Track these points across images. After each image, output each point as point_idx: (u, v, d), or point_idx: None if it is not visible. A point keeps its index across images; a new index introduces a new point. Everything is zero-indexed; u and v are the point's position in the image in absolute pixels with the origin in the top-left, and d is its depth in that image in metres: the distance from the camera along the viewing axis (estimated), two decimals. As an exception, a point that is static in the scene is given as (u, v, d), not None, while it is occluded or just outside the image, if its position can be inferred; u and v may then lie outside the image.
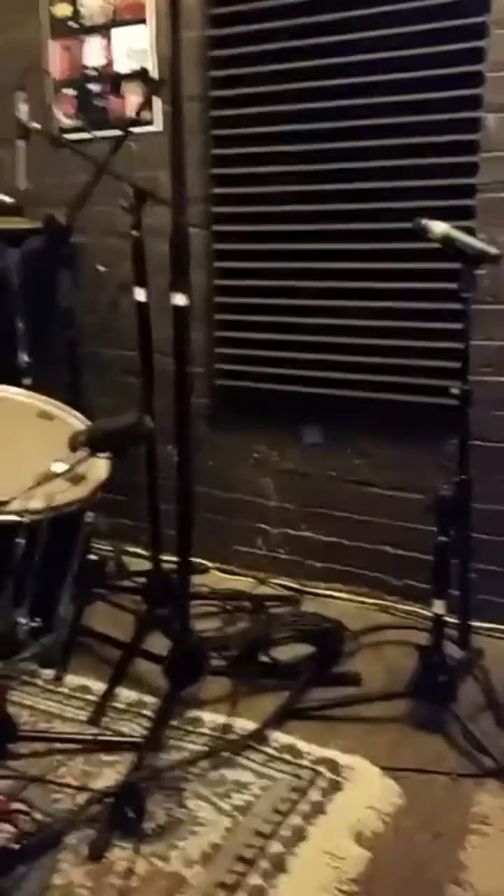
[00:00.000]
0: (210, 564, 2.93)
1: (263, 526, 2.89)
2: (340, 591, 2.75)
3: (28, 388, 2.28)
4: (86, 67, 2.84)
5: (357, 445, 2.65)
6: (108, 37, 2.77)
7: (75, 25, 2.82)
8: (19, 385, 2.27)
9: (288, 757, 1.91)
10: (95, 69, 2.82)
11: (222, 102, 2.59)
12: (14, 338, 2.64)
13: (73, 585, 1.90)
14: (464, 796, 1.80)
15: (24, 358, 2.63)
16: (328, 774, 1.85)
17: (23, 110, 2.55)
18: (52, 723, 2.05)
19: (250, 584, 2.85)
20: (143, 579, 2.70)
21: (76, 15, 2.81)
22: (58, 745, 1.93)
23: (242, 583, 2.85)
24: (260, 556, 2.90)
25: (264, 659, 2.29)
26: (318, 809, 1.74)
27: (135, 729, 2.02)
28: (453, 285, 1.91)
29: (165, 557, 2.54)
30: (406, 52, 2.27)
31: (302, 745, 1.94)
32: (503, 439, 2.39)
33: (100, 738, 1.96)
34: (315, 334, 2.57)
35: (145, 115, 2.68)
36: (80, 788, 1.79)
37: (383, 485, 2.63)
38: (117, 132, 2.46)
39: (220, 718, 2.05)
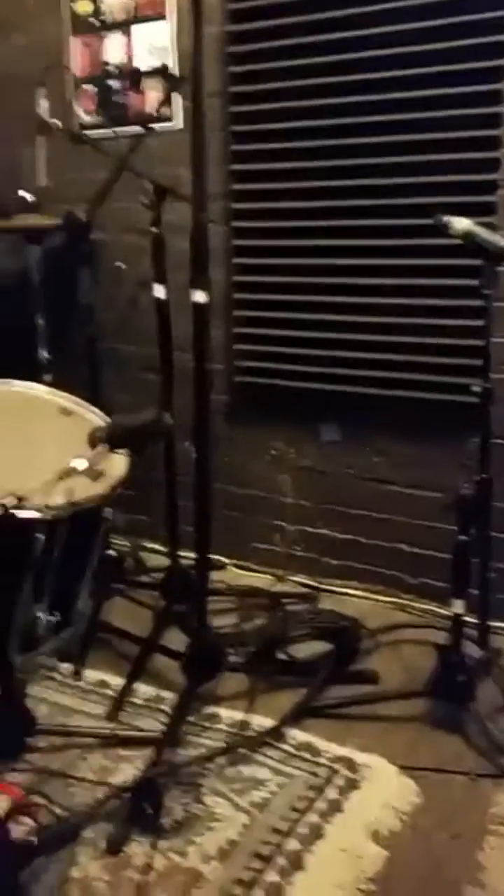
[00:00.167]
0: (227, 561, 2.93)
1: (280, 523, 2.88)
2: (357, 588, 2.74)
3: (48, 384, 2.29)
4: (106, 64, 2.85)
5: (375, 443, 2.64)
6: (128, 33, 2.77)
7: (96, 22, 2.82)
8: (40, 381, 2.28)
9: (305, 754, 1.91)
10: (116, 66, 2.83)
11: (242, 98, 2.59)
12: (34, 334, 2.65)
13: (92, 581, 1.91)
14: (482, 796, 1.79)
15: (45, 354, 2.64)
16: (345, 772, 1.84)
17: (43, 107, 2.56)
18: (71, 717, 2.06)
19: (267, 580, 2.85)
20: (160, 575, 2.71)
21: (97, 12, 2.81)
22: (76, 740, 1.95)
23: (259, 579, 2.86)
24: (277, 553, 2.90)
25: (282, 656, 2.29)
26: (336, 807, 1.74)
27: (152, 724, 2.02)
28: (475, 282, 1.90)
29: (183, 554, 2.55)
30: (426, 46, 2.25)
31: (319, 743, 1.94)
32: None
33: (118, 733, 1.97)
34: (334, 331, 2.56)
35: (165, 111, 2.68)
36: (98, 783, 1.80)
37: (401, 483, 2.62)
38: (137, 129, 2.47)
39: (238, 715, 2.05)
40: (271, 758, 1.90)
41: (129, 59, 2.79)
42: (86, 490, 1.77)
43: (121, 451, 1.91)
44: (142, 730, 2.00)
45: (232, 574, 2.89)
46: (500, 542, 2.26)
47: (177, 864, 1.59)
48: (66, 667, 2.24)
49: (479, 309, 1.93)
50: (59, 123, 2.57)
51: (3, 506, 1.63)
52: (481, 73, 2.20)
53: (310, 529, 2.83)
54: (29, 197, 2.58)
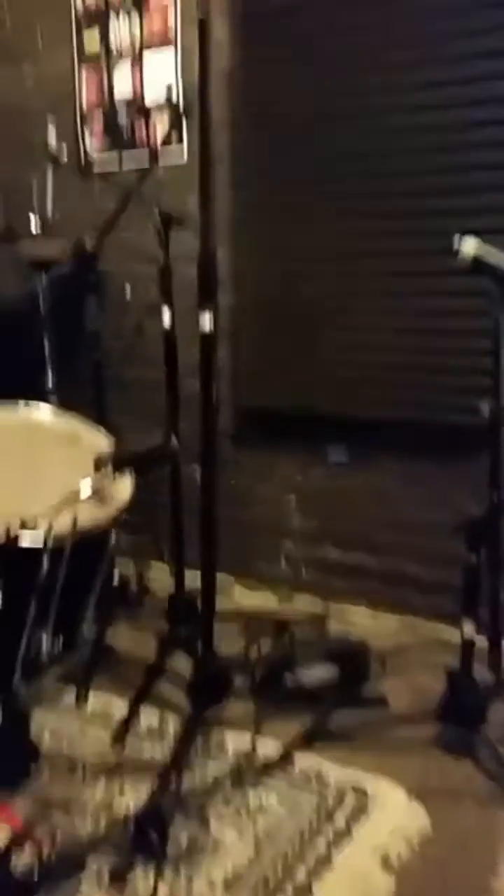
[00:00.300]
0: (233, 583, 2.92)
1: (287, 544, 2.88)
2: (365, 610, 2.72)
3: (55, 409, 2.30)
4: (115, 95, 2.90)
5: (383, 464, 2.64)
6: (136, 65, 2.83)
7: (105, 55, 2.88)
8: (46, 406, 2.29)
9: (313, 780, 1.88)
10: (124, 97, 2.88)
11: (250, 127, 2.62)
12: (41, 360, 2.67)
13: (97, 605, 1.90)
14: (494, 822, 1.75)
15: (51, 379, 2.67)
16: (354, 798, 1.81)
17: (52, 137, 2.62)
18: (75, 744, 2.04)
19: (274, 603, 2.83)
20: (165, 599, 2.69)
21: (106, 45, 2.88)
22: (80, 767, 1.92)
23: (266, 602, 2.84)
24: (284, 574, 2.89)
25: (288, 680, 2.27)
26: (345, 834, 1.71)
27: (157, 751, 2.00)
28: (484, 302, 1.90)
29: (188, 577, 2.54)
30: (437, 73, 2.28)
31: (327, 768, 1.91)
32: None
33: (123, 759, 1.95)
34: (341, 353, 2.56)
35: (173, 141, 2.72)
36: (102, 811, 1.77)
37: (410, 504, 2.61)
38: (145, 158, 2.51)
39: (244, 740, 2.02)
40: (278, 784, 1.88)
41: (138, 90, 2.84)
42: (91, 514, 1.77)
43: (126, 474, 1.91)
44: (147, 756, 1.98)
45: (238, 597, 2.88)
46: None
47: (183, 894, 1.56)
48: (71, 692, 2.22)
49: (488, 330, 1.93)
50: (66, 152, 2.63)
51: (8, 530, 1.64)
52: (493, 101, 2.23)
53: (317, 551, 2.82)
54: (37, 225, 2.62)
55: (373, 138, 2.41)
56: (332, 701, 2.15)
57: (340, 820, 1.75)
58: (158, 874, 1.59)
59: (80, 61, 2.95)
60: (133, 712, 2.14)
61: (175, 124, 2.74)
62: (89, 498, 1.75)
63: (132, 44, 2.82)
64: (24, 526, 1.64)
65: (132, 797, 1.83)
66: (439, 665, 2.22)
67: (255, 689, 2.22)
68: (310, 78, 2.47)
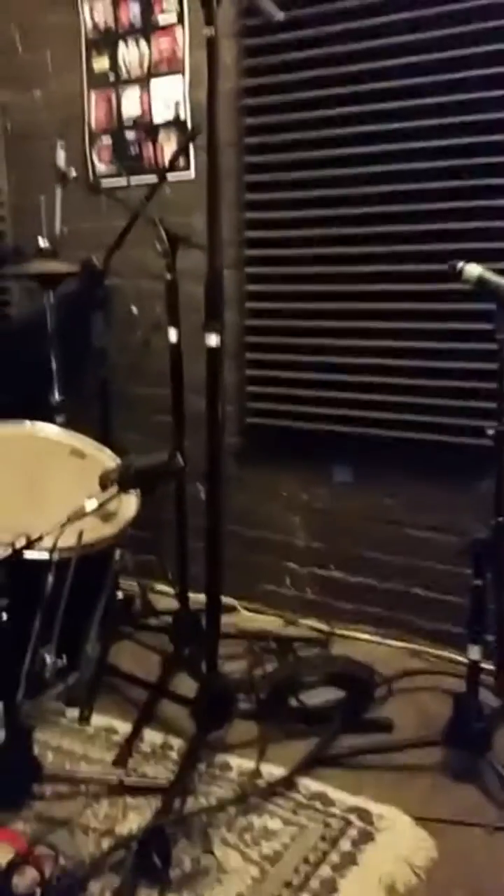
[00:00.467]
0: (237, 603, 2.90)
1: (292, 565, 2.86)
2: (370, 633, 2.70)
3: (61, 425, 2.31)
4: (123, 117, 2.94)
5: (388, 485, 2.63)
6: (145, 88, 2.86)
7: (113, 78, 2.92)
8: (52, 422, 2.30)
9: (318, 805, 1.86)
10: (132, 119, 2.92)
11: (256, 149, 2.65)
12: (48, 376, 2.68)
13: (100, 624, 1.89)
14: (501, 850, 1.73)
15: (58, 396, 2.68)
16: (359, 824, 1.79)
17: (61, 157, 2.64)
18: (77, 764, 2.02)
19: (278, 624, 2.81)
20: (169, 618, 2.68)
21: (115, 68, 2.91)
22: (82, 788, 1.90)
23: (270, 623, 2.82)
24: (288, 595, 2.87)
25: (293, 703, 2.24)
26: (350, 860, 1.68)
27: (161, 772, 1.98)
28: (488, 325, 1.91)
29: (192, 596, 2.52)
30: (440, 98, 2.30)
31: (332, 793, 1.89)
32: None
33: (125, 780, 1.93)
34: (347, 373, 2.57)
35: (180, 162, 2.75)
36: (105, 832, 1.75)
37: (415, 525, 2.60)
38: (152, 178, 2.53)
39: (249, 763, 2.00)
40: (283, 808, 1.85)
41: (146, 112, 2.88)
42: (96, 531, 1.77)
43: (132, 492, 1.91)
44: (150, 777, 1.96)
45: (242, 617, 2.86)
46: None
47: (185, 920, 1.54)
48: (73, 711, 2.20)
49: (492, 352, 1.93)
50: (75, 174, 2.66)
51: (13, 547, 1.63)
52: (497, 124, 2.24)
53: (321, 572, 2.80)
54: (46, 243, 2.64)
55: (377, 161, 2.42)
56: (337, 724, 2.13)
57: (346, 845, 1.73)
58: (161, 899, 1.57)
59: (89, 85, 2.98)
60: (136, 732, 2.12)
61: (182, 145, 2.76)
62: (94, 514, 1.75)
63: (140, 66, 2.86)
64: (29, 542, 1.64)
65: (135, 819, 1.80)
66: (446, 690, 2.21)
67: (259, 711, 2.20)
68: (314, 101, 2.50)
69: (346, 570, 2.75)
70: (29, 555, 1.64)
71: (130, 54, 2.88)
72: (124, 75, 2.90)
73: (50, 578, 1.66)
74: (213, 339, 1.90)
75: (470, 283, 1.91)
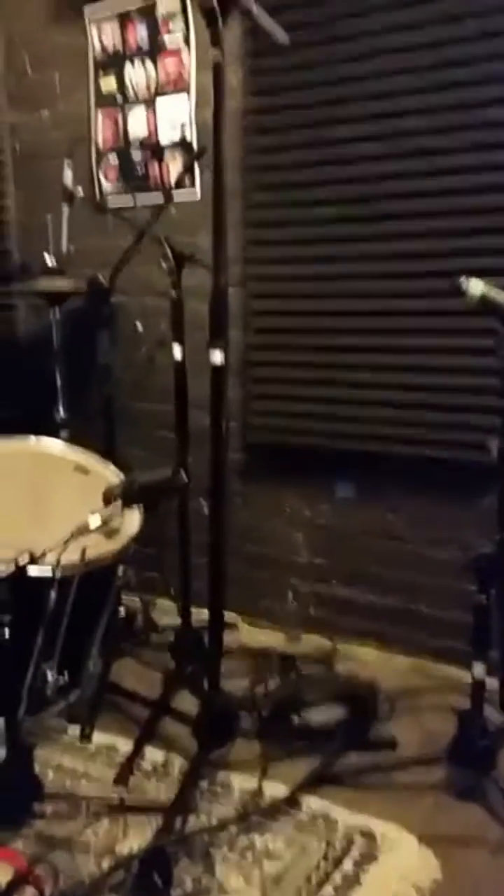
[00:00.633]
0: (240, 619, 2.89)
1: (294, 581, 2.85)
2: (373, 650, 2.69)
3: (65, 441, 2.32)
4: (129, 137, 2.97)
5: (391, 501, 2.63)
6: (151, 108, 2.90)
7: (120, 98, 2.96)
8: (57, 438, 2.31)
9: (321, 824, 1.84)
10: (139, 139, 2.95)
11: (261, 169, 2.68)
12: (53, 392, 2.70)
13: (102, 640, 1.88)
14: (506, 871, 1.71)
15: (62, 412, 2.69)
16: (363, 843, 1.77)
17: (68, 176, 2.68)
18: (78, 782, 2.01)
19: (281, 641, 2.80)
20: (171, 635, 2.67)
21: (122, 88, 2.95)
22: (83, 806, 1.89)
23: (273, 640, 2.81)
24: (291, 612, 2.86)
25: (296, 721, 2.23)
26: (353, 880, 1.67)
27: (162, 791, 1.96)
28: (491, 342, 1.92)
29: (195, 612, 2.52)
30: (447, 117, 2.32)
31: (335, 812, 1.87)
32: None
33: (126, 799, 1.91)
34: (349, 389, 2.58)
35: (186, 181, 2.78)
36: (106, 852, 1.74)
37: (418, 541, 2.60)
38: (158, 197, 2.56)
39: (251, 782, 1.99)
40: (286, 827, 1.83)
41: (152, 132, 2.91)
42: (99, 547, 1.77)
43: (135, 507, 1.91)
44: (151, 796, 1.94)
45: (244, 633, 2.85)
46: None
47: (186, 940, 1.53)
48: (74, 729, 2.19)
49: (494, 369, 1.94)
50: (82, 193, 2.69)
51: (16, 563, 1.63)
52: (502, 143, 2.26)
53: (324, 588, 2.80)
54: (52, 261, 2.66)
55: (381, 180, 2.44)
56: (340, 742, 2.12)
57: (349, 865, 1.71)
58: (162, 919, 1.55)
59: (96, 105, 3.02)
60: (137, 750, 2.11)
61: (188, 164, 2.79)
62: (98, 530, 1.75)
63: (147, 87, 2.90)
64: (32, 558, 1.64)
65: (136, 838, 1.79)
66: (450, 707, 2.19)
67: (261, 729, 2.19)
68: (318, 121, 2.52)
69: (348, 586, 2.75)
70: (32, 571, 1.64)
71: (137, 75, 2.91)
72: (131, 96, 2.94)
73: (53, 595, 1.66)
74: (217, 356, 1.91)
75: (473, 300, 1.92)
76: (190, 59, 2.78)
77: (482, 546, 1.92)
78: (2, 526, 1.79)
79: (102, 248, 2.90)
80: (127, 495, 1.81)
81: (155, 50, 2.85)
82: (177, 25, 2.78)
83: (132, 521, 1.94)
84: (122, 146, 2.99)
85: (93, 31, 2.97)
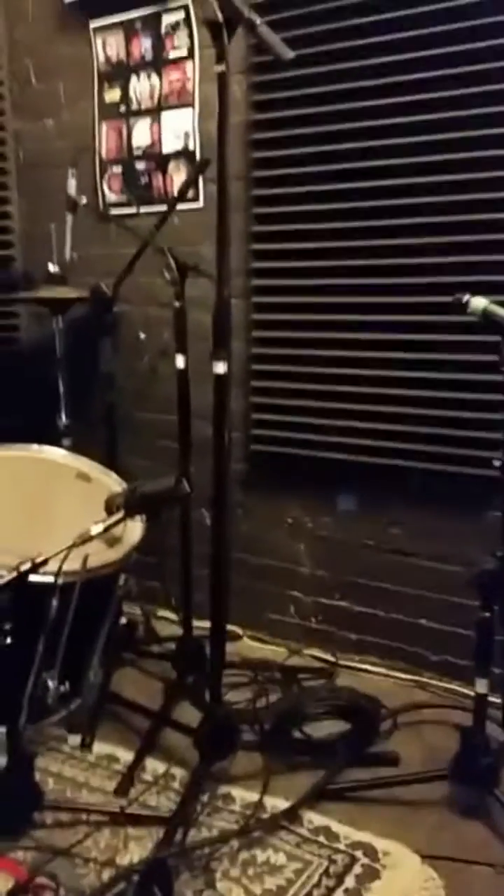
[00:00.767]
0: (241, 632, 2.88)
1: (296, 593, 2.84)
2: (376, 664, 2.67)
3: (67, 449, 2.31)
4: (133, 148, 2.98)
5: (393, 514, 2.62)
6: (155, 119, 2.91)
7: (124, 109, 2.97)
8: (59, 446, 2.31)
9: (322, 839, 1.82)
10: (142, 149, 2.96)
11: (264, 182, 2.69)
12: (56, 400, 2.69)
13: (103, 649, 1.87)
14: (510, 889, 1.69)
15: (65, 420, 2.69)
16: (365, 860, 1.75)
17: (72, 186, 2.68)
18: (78, 792, 1.99)
19: (282, 653, 2.78)
20: (173, 645, 2.66)
21: (125, 100, 2.96)
22: (84, 816, 1.87)
23: (274, 652, 2.79)
24: (292, 624, 2.85)
25: (298, 735, 2.21)
26: (356, 898, 1.65)
27: (163, 803, 1.95)
28: (493, 357, 1.91)
29: (196, 623, 2.50)
30: (444, 135, 2.33)
31: (337, 828, 1.86)
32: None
33: (127, 810, 1.89)
34: (352, 402, 2.58)
35: (190, 192, 2.79)
36: (106, 863, 1.72)
37: (421, 555, 2.58)
38: (162, 208, 2.56)
39: (252, 796, 1.97)
40: (287, 842, 1.82)
41: (155, 143, 2.92)
42: (101, 556, 1.76)
43: (137, 517, 1.90)
44: (152, 808, 1.93)
45: (246, 645, 2.83)
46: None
47: None
48: (75, 738, 2.17)
49: (497, 383, 1.94)
50: (86, 201, 2.70)
51: (18, 570, 1.62)
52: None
53: (326, 601, 2.78)
54: (56, 269, 2.67)
55: (384, 195, 2.45)
56: (342, 757, 2.10)
57: (351, 882, 1.69)
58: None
59: (100, 116, 3.03)
60: (138, 761, 2.09)
61: (192, 177, 2.80)
62: (99, 539, 1.74)
63: (151, 98, 2.91)
64: (34, 565, 1.63)
65: (136, 849, 1.77)
66: (452, 723, 2.18)
67: (262, 743, 2.17)
68: (321, 135, 2.53)
69: (350, 599, 2.73)
70: (33, 578, 1.63)
71: (141, 86, 2.93)
72: (135, 107, 2.95)
73: (54, 602, 1.65)
74: (220, 367, 1.91)
75: (475, 316, 1.92)
76: (194, 72, 2.79)
77: (485, 561, 1.90)
78: (3, 533, 1.78)
79: (105, 257, 2.91)
80: (129, 504, 1.80)
81: (159, 62, 2.86)
82: (181, 39, 2.80)
83: (134, 530, 1.93)
84: (126, 157, 3.00)
85: (97, 43, 2.99)
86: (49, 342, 2.73)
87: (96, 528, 1.73)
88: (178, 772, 2.05)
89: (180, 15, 2.78)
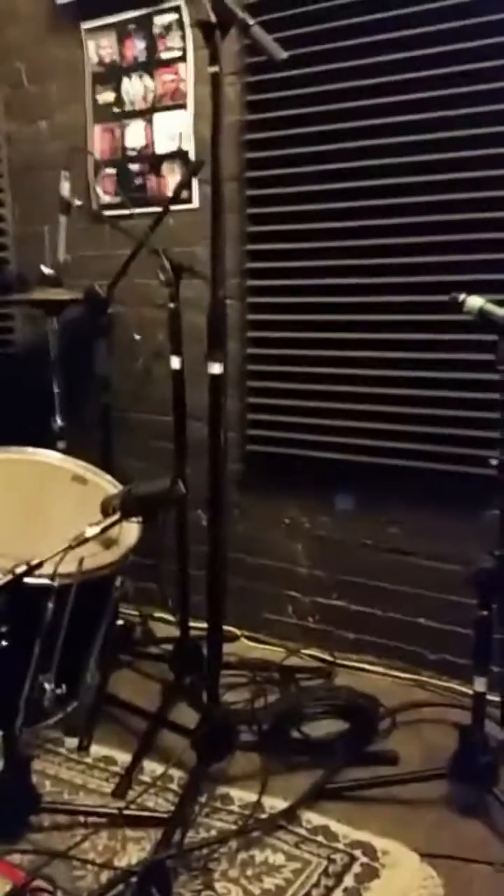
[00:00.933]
0: (238, 632, 2.88)
1: (294, 593, 2.84)
2: (374, 664, 2.67)
3: (63, 451, 2.31)
4: (127, 149, 2.98)
5: (390, 513, 2.62)
6: (149, 121, 2.91)
7: (118, 111, 2.97)
8: (54, 449, 2.30)
9: (321, 839, 1.82)
10: (136, 150, 2.96)
11: (258, 182, 2.69)
12: (51, 402, 2.69)
13: (100, 652, 1.87)
14: (509, 887, 1.69)
15: (60, 422, 2.68)
16: (364, 859, 1.75)
17: (66, 188, 2.68)
18: (76, 794, 1.99)
19: (280, 654, 2.78)
20: (169, 646, 2.65)
21: (119, 101, 2.96)
22: (81, 819, 1.87)
23: (272, 653, 2.79)
24: (290, 624, 2.85)
25: (296, 734, 2.21)
26: (355, 897, 1.65)
27: (161, 804, 1.94)
28: (490, 356, 1.91)
29: (193, 624, 2.50)
30: (440, 134, 2.33)
31: (336, 827, 1.85)
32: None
33: (124, 812, 1.89)
34: (348, 401, 2.58)
35: (184, 193, 2.78)
36: (104, 866, 1.71)
37: (419, 554, 2.58)
38: (156, 209, 2.56)
39: (250, 796, 1.97)
40: (286, 842, 1.82)
41: (149, 144, 2.92)
42: (97, 558, 1.76)
43: (134, 519, 1.90)
44: (150, 809, 1.92)
45: (243, 646, 2.83)
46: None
47: None
48: (72, 741, 2.17)
49: (493, 382, 1.94)
50: (80, 203, 2.69)
51: (14, 572, 1.62)
52: (499, 158, 2.26)
53: (324, 601, 2.78)
54: (50, 271, 2.66)
55: (379, 195, 2.45)
56: (341, 756, 2.10)
57: (350, 881, 1.69)
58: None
59: (94, 118, 3.03)
60: (136, 763, 2.09)
61: (186, 178, 2.80)
62: (95, 541, 1.74)
63: (144, 100, 2.91)
64: (30, 568, 1.62)
65: (134, 851, 1.77)
66: (451, 722, 2.18)
67: (261, 743, 2.17)
68: (315, 136, 2.53)
69: (348, 598, 2.73)
70: (29, 581, 1.62)
71: (134, 88, 2.93)
72: (128, 108, 2.95)
73: (50, 605, 1.65)
74: (215, 368, 1.91)
75: (472, 315, 1.92)
76: (188, 73, 2.79)
77: (483, 560, 1.90)
78: (-1, 536, 1.78)
79: (99, 259, 2.91)
80: (125, 506, 1.80)
81: (152, 64, 2.86)
82: (174, 41, 2.80)
83: (130, 531, 1.93)
84: (120, 158, 2.99)
85: (90, 45, 2.99)
86: (43, 344, 2.72)
87: (92, 530, 1.73)
88: (176, 773, 2.05)
89: (173, 16, 2.78)
